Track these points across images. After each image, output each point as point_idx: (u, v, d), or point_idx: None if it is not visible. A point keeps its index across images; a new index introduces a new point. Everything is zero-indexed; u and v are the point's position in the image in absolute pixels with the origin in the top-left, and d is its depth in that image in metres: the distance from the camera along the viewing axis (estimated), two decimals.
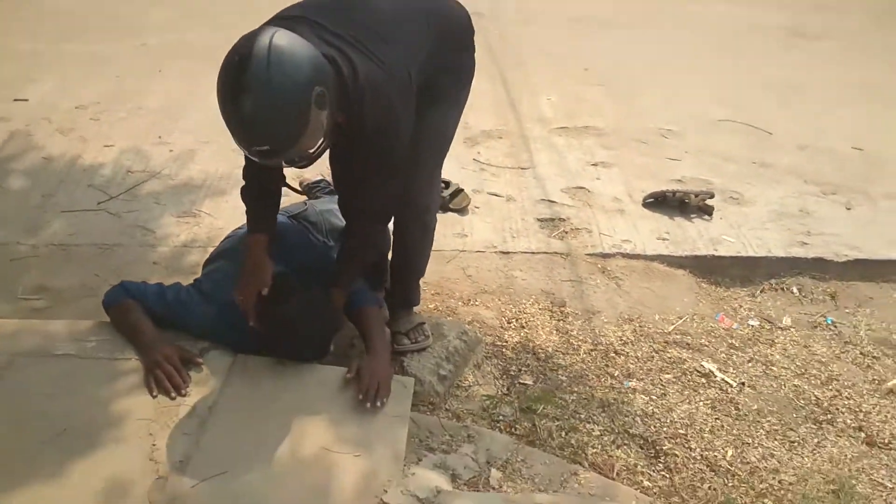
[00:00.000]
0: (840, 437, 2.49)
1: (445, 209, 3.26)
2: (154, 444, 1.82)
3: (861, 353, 2.86)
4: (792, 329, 2.95)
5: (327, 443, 1.86)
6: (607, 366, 2.64)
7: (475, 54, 2.27)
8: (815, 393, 2.64)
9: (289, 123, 1.70)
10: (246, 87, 1.67)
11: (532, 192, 3.48)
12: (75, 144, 3.59)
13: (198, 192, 3.34)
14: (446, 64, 2.16)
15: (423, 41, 2.06)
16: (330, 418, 1.93)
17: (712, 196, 3.45)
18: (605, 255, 3.13)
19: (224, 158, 3.49)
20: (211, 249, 2.55)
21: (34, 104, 3.87)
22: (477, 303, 2.83)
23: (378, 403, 1.98)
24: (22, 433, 1.84)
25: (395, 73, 1.91)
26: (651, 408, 2.47)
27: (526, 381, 2.49)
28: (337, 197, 2.21)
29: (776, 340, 2.88)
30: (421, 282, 2.62)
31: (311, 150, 1.82)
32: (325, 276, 2.16)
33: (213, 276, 2.20)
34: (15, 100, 3.90)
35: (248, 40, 1.71)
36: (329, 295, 2.13)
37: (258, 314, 2.03)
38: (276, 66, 1.66)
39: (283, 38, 1.71)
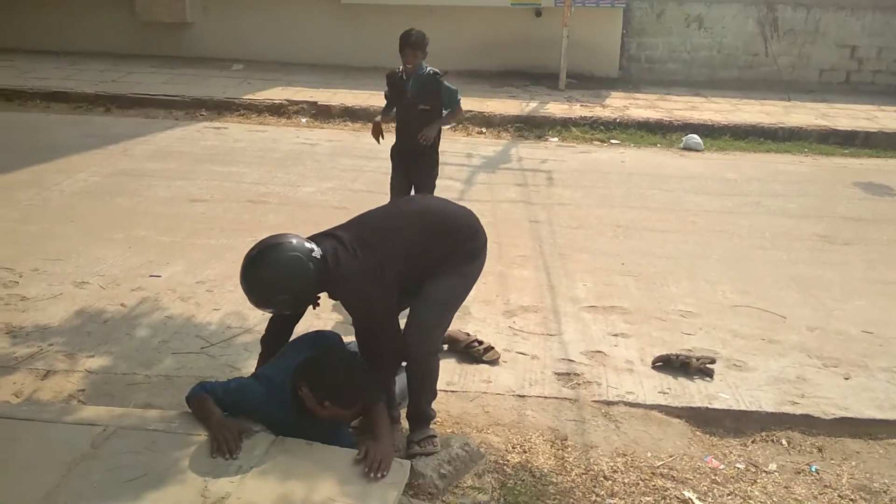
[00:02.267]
0: None
1: (479, 361, 3.88)
2: (206, 487, 2.43)
3: (839, 496, 3.12)
4: (776, 473, 3.26)
5: (333, 495, 2.42)
6: (594, 486, 3.05)
7: (483, 239, 3.15)
8: None
9: (261, 300, 2.84)
10: (247, 273, 2.79)
11: (554, 353, 4.05)
12: (191, 308, 4.51)
13: None
14: (447, 249, 3.01)
15: (412, 239, 2.97)
16: (339, 480, 2.50)
17: (713, 361, 3.90)
18: (608, 403, 3.61)
19: (303, 319, 4.28)
20: None
21: (165, 279, 4.88)
22: (489, 432, 3.35)
23: (379, 475, 2.54)
24: (113, 475, 2.50)
25: (366, 267, 2.83)
26: None
27: (517, 490, 2.95)
28: None
29: (758, 481, 3.20)
30: (444, 412, 3.24)
31: (286, 313, 3.01)
32: None
33: (267, 366, 2.96)
34: (150, 276, 4.94)
35: (263, 244, 2.83)
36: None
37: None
38: (264, 268, 2.77)
39: (280, 252, 2.76)
